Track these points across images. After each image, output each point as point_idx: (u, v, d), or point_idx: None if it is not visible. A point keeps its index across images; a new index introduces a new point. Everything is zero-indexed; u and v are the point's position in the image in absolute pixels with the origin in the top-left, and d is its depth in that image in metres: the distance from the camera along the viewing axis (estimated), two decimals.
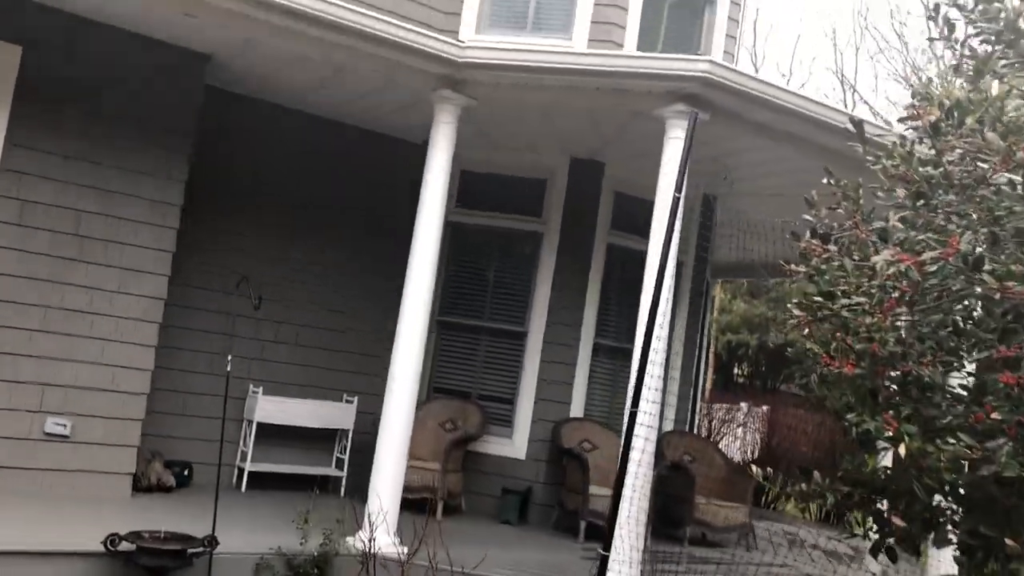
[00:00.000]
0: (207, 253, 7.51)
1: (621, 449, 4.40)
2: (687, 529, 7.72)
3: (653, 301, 4.35)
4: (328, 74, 6.78)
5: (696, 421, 11.05)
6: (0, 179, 6.09)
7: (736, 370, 26.84)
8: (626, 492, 5.16)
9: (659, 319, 4.30)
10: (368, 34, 5.86)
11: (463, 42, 6.02)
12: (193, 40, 6.47)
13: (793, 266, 4.28)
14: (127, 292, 6.51)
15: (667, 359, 8.63)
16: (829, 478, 4.02)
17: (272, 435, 7.81)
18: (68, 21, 6.24)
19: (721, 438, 14.18)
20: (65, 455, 6.28)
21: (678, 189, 4.41)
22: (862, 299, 3.64)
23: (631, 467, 4.64)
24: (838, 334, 3.78)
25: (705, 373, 13.05)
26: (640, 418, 4.38)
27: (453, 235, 8.52)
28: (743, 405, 16.52)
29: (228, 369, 5.49)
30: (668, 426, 8.69)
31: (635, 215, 8.27)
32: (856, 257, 4.02)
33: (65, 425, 6.28)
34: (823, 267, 4.05)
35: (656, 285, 4.41)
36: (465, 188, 8.50)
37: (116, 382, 6.47)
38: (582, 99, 6.27)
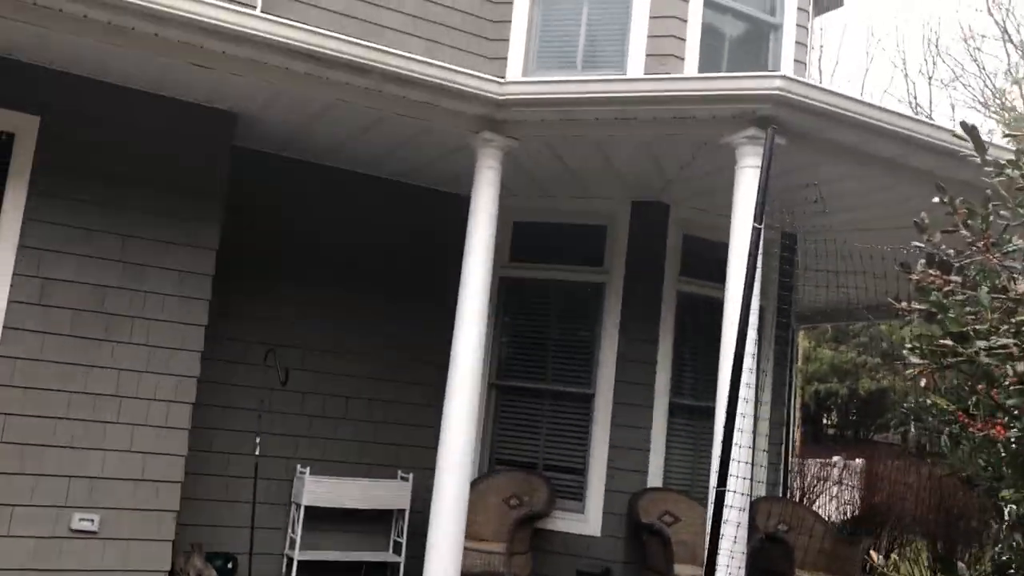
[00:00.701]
0: (242, 324, 7.01)
1: (709, 531, 3.64)
2: None
3: (736, 356, 3.63)
4: (360, 125, 6.29)
5: (788, 482, 10.08)
6: (20, 256, 5.69)
7: (825, 420, 25.44)
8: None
9: (744, 376, 3.58)
10: (399, 76, 5.36)
11: (503, 79, 5.45)
12: (216, 98, 6.05)
13: (905, 304, 3.51)
14: (156, 372, 6.02)
15: (755, 417, 7.82)
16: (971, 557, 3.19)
17: (323, 519, 7.19)
18: (85, 86, 5.89)
19: (816, 497, 13.05)
20: (94, 553, 5.74)
21: (758, 219, 3.72)
22: (1007, 340, 2.87)
23: (722, 552, 3.86)
24: (979, 386, 3.00)
25: (794, 427, 12.05)
26: (729, 499, 3.63)
27: (508, 291, 7.90)
28: (836, 459, 15.34)
29: (257, 452, 4.89)
30: (759, 490, 7.79)
31: (707, 259, 7.53)
32: (987, 288, 3.25)
33: (93, 520, 5.75)
34: (945, 302, 3.27)
35: (739, 336, 3.70)
36: (518, 240, 7.89)
37: (147, 470, 5.94)
38: (638, 132, 5.63)
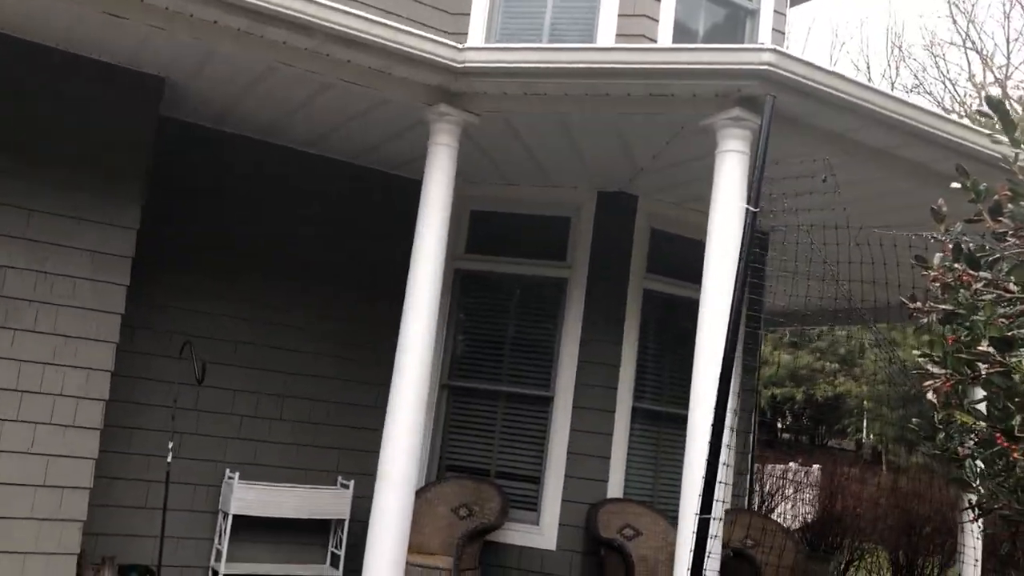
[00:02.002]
0: (164, 314, 6.34)
1: (690, 565, 3.11)
2: None
3: (725, 363, 3.11)
4: (304, 96, 5.66)
5: (753, 493, 9.67)
6: None
7: (779, 425, 25.28)
8: None
9: (733, 384, 3.06)
10: (345, 36, 4.75)
11: (461, 45, 4.87)
12: (141, 60, 5.38)
13: (919, 304, 3.02)
14: (64, 364, 5.33)
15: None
16: None
17: (253, 528, 6.54)
18: None
19: (776, 506, 12.67)
20: None
21: (753, 202, 3.20)
22: None
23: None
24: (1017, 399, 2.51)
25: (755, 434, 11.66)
26: (714, 527, 3.11)
27: (463, 285, 7.33)
28: (793, 465, 15.04)
29: (169, 460, 4.27)
30: (724, 505, 7.32)
31: (677, 255, 7.06)
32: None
33: None
34: (975, 302, 2.79)
35: (728, 339, 3.17)
36: (476, 231, 7.33)
37: (50, 475, 5.26)
38: (611, 110, 5.08)
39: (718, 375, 3.19)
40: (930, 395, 2.89)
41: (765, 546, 6.91)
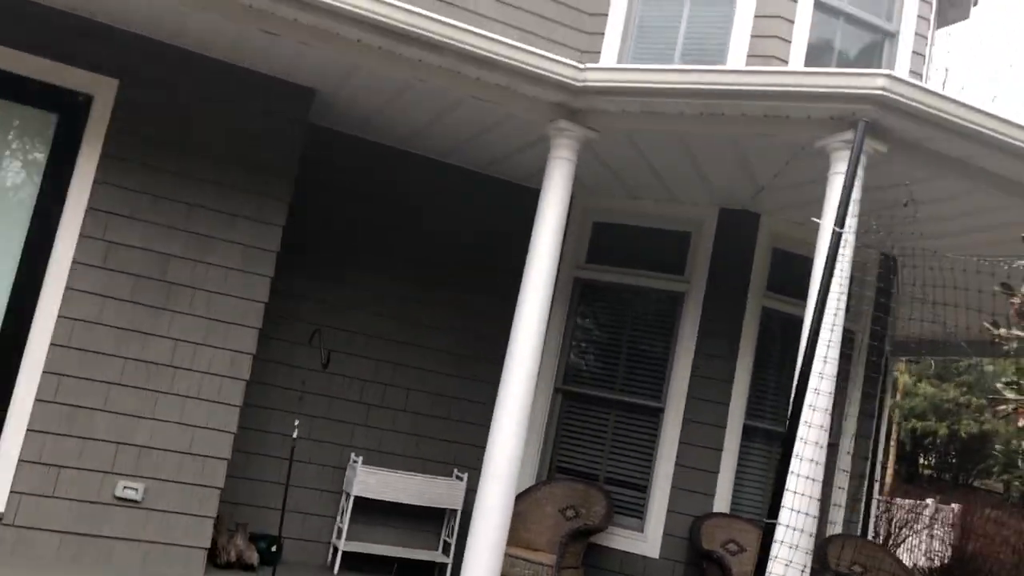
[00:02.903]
0: (303, 305, 6.89)
1: (755, 565, 3.25)
2: None
3: (801, 375, 3.22)
4: (438, 109, 6.08)
5: (871, 521, 9.43)
6: (87, 218, 5.68)
7: (922, 461, 24.14)
8: None
9: (809, 397, 3.18)
10: (474, 56, 5.11)
11: (581, 64, 5.14)
12: (293, 72, 5.93)
13: (1004, 331, 3.06)
14: (213, 345, 5.92)
15: (835, 447, 7.26)
16: None
17: (373, 511, 7.01)
18: (165, 52, 5.85)
19: (903, 541, 12.23)
20: (136, 523, 5.68)
21: (839, 223, 3.31)
22: None
23: None
24: None
25: (884, 465, 11.33)
26: (781, 533, 3.22)
27: (582, 294, 7.58)
28: (929, 502, 14.41)
29: (295, 437, 4.71)
30: (836, 528, 7.25)
31: (797, 275, 7.00)
32: None
33: (137, 489, 5.69)
34: None
35: (807, 352, 3.29)
36: (597, 241, 7.56)
37: (195, 444, 5.85)
38: (726, 130, 5.22)
39: (799, 390, 3.30)
40: (1021, 422, 2.93)
41: (873, 572, 6.81)
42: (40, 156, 5.73)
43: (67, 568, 5.37)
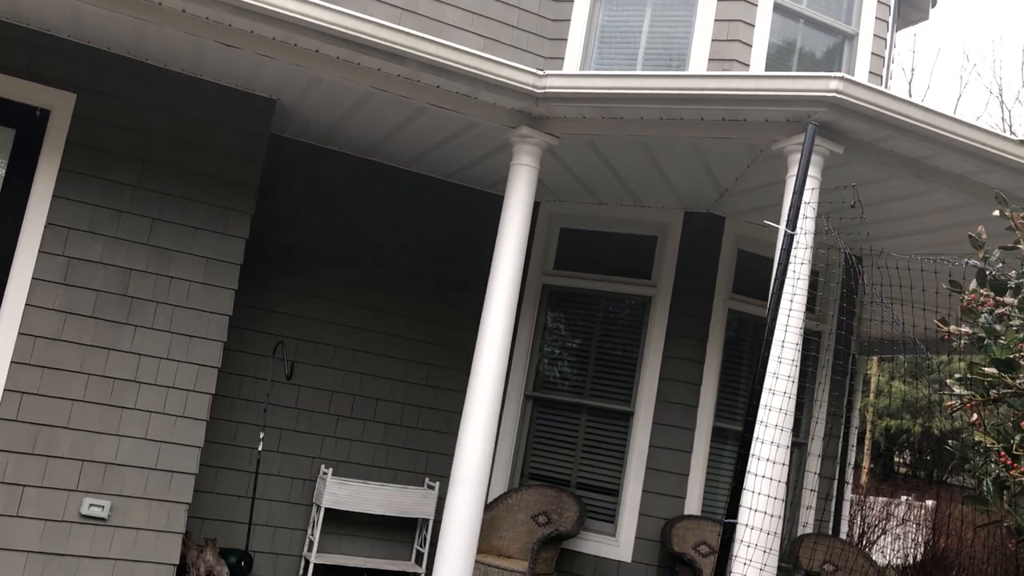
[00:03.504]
0: (267, 317, 6.86)
1: (713, 561, 3.27)
2: None
3: (759, 374, 3.25)
4: (400, 119, 6.08)
5: (843, 521, 9.50)
6: (47, 234, 5.62)
7: (897, 459, 24.35)
8: None
9: (765, 397, 3.20)
10: (434, 64, 5.11)
11: (541, 71, 5.16)
12: (254, 83, 5.91)
13: (953, 327, 3.10)
14: (177, 359, 5.88)
15: (803, 448, 7.32)
16: None
17: (344, 522, 6.98)
18: (123, 66, 5.81)
19: (876, 539, 12.32)
20: (102, 540, 5.62)
21: (791, 225, 3.34)
22: None
23: None
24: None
25: (858, 464, 11.41)
26: (741, 532, 3.24)
27: (551, 301, 7.59)
28: (904, 499, 14.53)
29: (259, 449, 4.68)
30: (807, 529, 7.30)
31: (762, 277, 7.11)
32: None
33: (103, 507, 5.63)
34: (997, 327, 2.86)
35: (763, 351, 3.32)
36: (564, 248, 7.59)
37: (161, 460, 5.80)
38: (685, 134, 5.26)
39: (755, 389, 3.33)
40: (974, 416, 2.98)
41: (845, 571, 6.86)
42: None
43: None
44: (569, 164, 6.45)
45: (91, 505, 5.60)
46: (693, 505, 6.92)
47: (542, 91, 5.19)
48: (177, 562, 5.81)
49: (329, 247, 7.16)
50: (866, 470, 17.99)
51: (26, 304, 5.54)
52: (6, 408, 5.45)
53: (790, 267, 3.72)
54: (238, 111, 6.11)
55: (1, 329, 5.49)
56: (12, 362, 5.48)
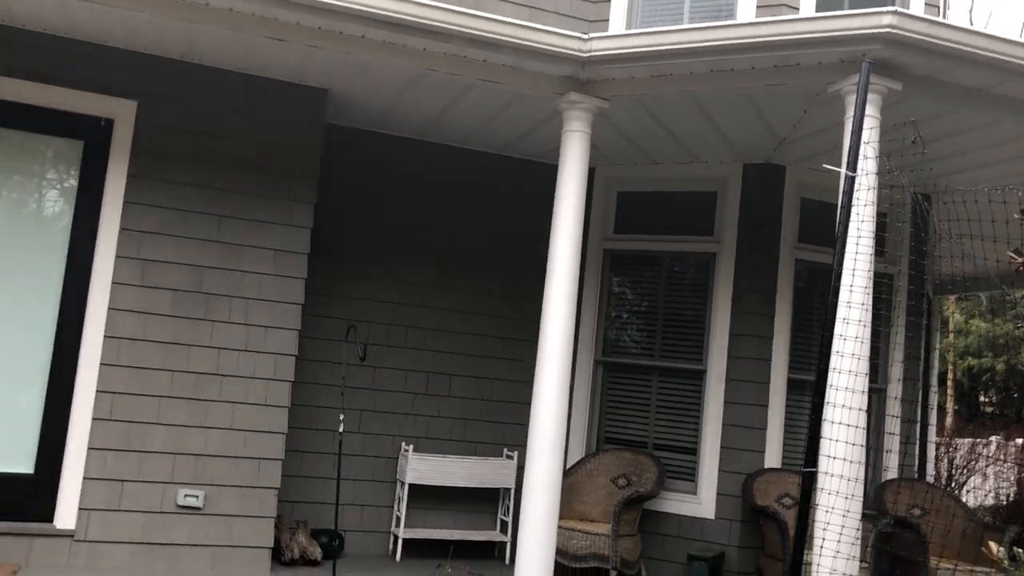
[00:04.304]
0: (340, 303, 7.01)
1: (796, 513, 3.27)
2: None
3: (828, 321, 3.23)
4: (450, 97, 6.12)
5: (929, 464, 9.34)
6: (121, 239, 5.83)
7: (982, 399, 23.75)
8: (825, 563, 3.99)
9: (836, 344, 3.18)
10: (480, 39, 5.13)
11: (586, 35, 5.14)
12: (305, 75, 6.01)
13: None
14: (255, 350, 6.06)
15: (882, 393, 7.21)
16: None
17: (428, 497, 7.14)
18: (178, 69, 5.97)
19: (965, 480, 12.08)
20: (200, 528, 5.86)
21: (851, 167, 3.29)
22: None
23: (817, 537, 3.48)
24: None
25: (937, 406, 11.18)
26: (821, 481, 3.24)
27: (613, 265, 7.59)
28: (992, 439, 14.18)
29: (340, 431, 4.82)
30: (891, 474, 7.21)
31: (827, 223, 6.96)
32: None
33: (198, 496, 5.87)
34: None
35: (831, 298, 3.29)
36: (622, 211, 7.57)
37: (248, 448, 6.00)
38: (739, 85, 5.19)
39: (825, 337, 3.31)
40: None
41: (933, 516, 6.77)
42: (72, 183, 5.89)
43: None
44: (621, 126, 6.42)
45: (186, 495, 5.84)
46: (773, 458, 6.89)
47: (588, 55, 5.17)
48: (271, 545, 6.03)
49: (392, 230, 7.27)
50: (950, 412, 17.60)
51: (109, 308, 5.77)
52: (100, 408, 5.70)
53: (853, 210, 3.66)
54: (292, 103, 6.22)
55: (88, 333, 5.74)
56: (101, 364, 5.73)
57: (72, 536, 5.59)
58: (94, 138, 5.87)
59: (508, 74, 5.41)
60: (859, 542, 4.24)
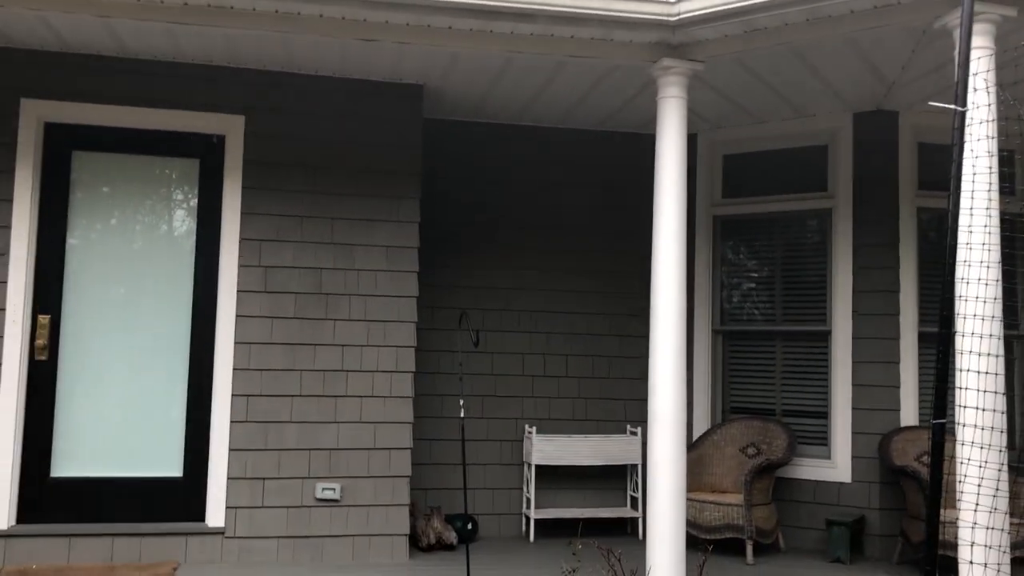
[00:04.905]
0: (452, 292, 7.13)
1: (930, 469, 3.15)
2: None
3: (948, 266, 3.08)
4: (543, 77, 6.14)
5: None
6: (242, 249, 6.11)
7: None
8: (965, 517, 3.83)
9: (959, 288, 3.03)
10: (564, 15, 5.11)
11: None
12: (398, 72, 6.14)
13: None
14: (376, 344, 6.24)
15: (1020, 339, 6.82)
16: None
17: (556, 477, 7.20)
18: (280, 80, 6.19)
19: None
20: (339, 520, 6.09)
21: (962, 102, 3.13)
22: None
23: (958, 491, 3.34)
24: None
25: None
26: (960, 433, 3.10)
27: (724, 231, 7.44)
28: None
29: (462, 415, 4.92)
30: None
31: (949, 167, 6.65)
32: None
33: (334, 489, 6.10)
34: None
35: (950, 242, 3.13)
36: (730, 175, 7.40)
37: (378, 439, 6.20)
38: (838, 31, 4.98)
39: (946, 282, 3.15)
40: None
41: None
42: (193, 200, 6.20)
43: (289, 568, 5.83)
44: (719, 87, 6.27)
45: (324, 489, 6.08)
46: (909, 416, 6.62)
47: (677, 18, 5.08)
48: (408, 531, 6.21)
49: (497, 216, 7.34)
50: None
51: (236, 315, 6.06)
52: (236, 411, 6.00)
53: (967, 146, 3.46)
54: (389, 102, 6.36)
55: (220, 341, 6.04)
56: (234, 369, 6.02)
57: (223, 533, 5.91)
58: (208, 155, 6.17)
59: (598, 47, 5.37)
60: (1004, 494, 4.03)
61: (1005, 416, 4.06)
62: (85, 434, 5.94)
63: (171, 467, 6.03)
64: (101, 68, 5.94)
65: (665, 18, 5.08)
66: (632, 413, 7.38)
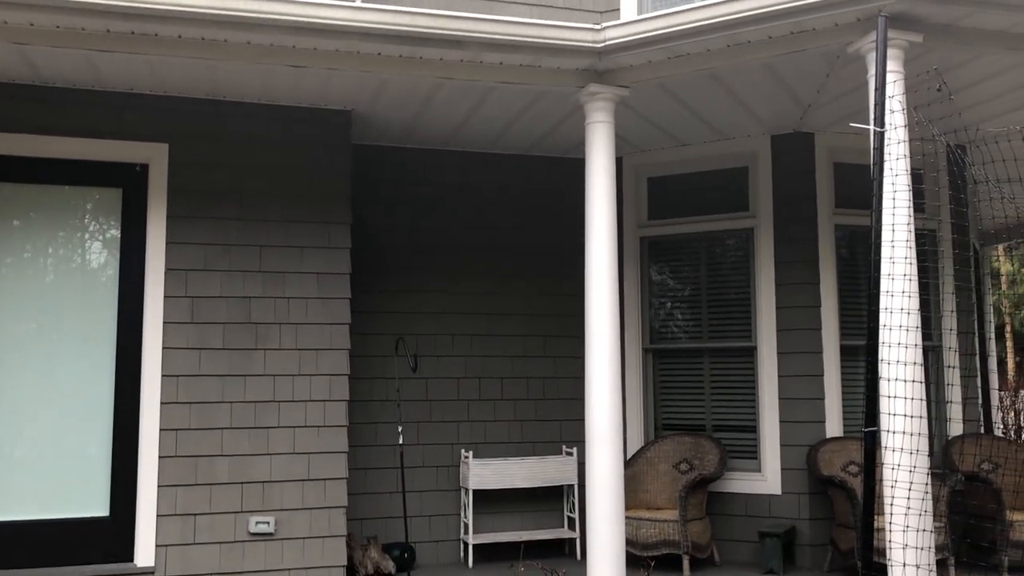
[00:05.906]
0: (383, 319, 7.09)
1: (863, 478, 3.26)
2: (1004, 557, 6.13)
3: (872, 280, 3.21)
4: (471, 103, 6.18)
5: (997, 417, 9.18)
6: (168, 279, 5.97)
7: None
8: (897, 521, 3.97)
9: (883, 301, 3.16)
10: (493, 42, 5.17)
11: (599, 25, 5.16)
12: (326, 98, 6.11)
13: None
14: (308, 373, 6.15)
15: (934, 349, 7.11)
16: None
17: (493, 501, 7.19)
18: (204, 108, 6.09)
19: None
20: (274, 554, 5.96)
21: (878, 123, 3.27)
22: None
23: (887, 496, 3.46)
24: None
25: (998, 359, 10.97)
26: (887, 439, 3.22)
27: (650, 252, 7.59)
28: None
29: (400, 443, 4.88)
30: (956, 426, 7.10)
31: (864, 186, 6.89)
32: None
33: (268, 522, 5.97)
34: None
35: (873, 256, 3.27)
36: (655, 197, 7.56)
37: (312, 470, 6.09)
38: (757, 56, 5.16)
39: (872, 296, 3.29)
40: None
41: (1006, 469, 6.66)
42: (115, 231, 6.03)
43: None
44: (644, 112, 6.42)
45: (258, 522, 5.94)
46: (834, 427, 6.82)
47: (603, 44, 5.19)
48: (345, 563, 6.11)
49: (428, 241, 7.34)
50: (1012, 365, 17.24)
51: (163, 347, 5.90)
52: (165, 446, 5.83)
53: (886, 165, 3.62)
54: (317, 128, 6.32)
55: (146, 374, 5.87)
56: (161, 403, 5.86)
57: (152, 573, 5.72)
58: (131, 184, 6.02)
59: (526, 74, 5.45)
60: (929, 498, 4.19)
61: (926, 422, 4.23)
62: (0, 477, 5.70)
63: (97, 507, 5.82)
64: (10, 95, 5.75)
65: (592, 44, 5.19)
66: (567, 433, 7.44)
